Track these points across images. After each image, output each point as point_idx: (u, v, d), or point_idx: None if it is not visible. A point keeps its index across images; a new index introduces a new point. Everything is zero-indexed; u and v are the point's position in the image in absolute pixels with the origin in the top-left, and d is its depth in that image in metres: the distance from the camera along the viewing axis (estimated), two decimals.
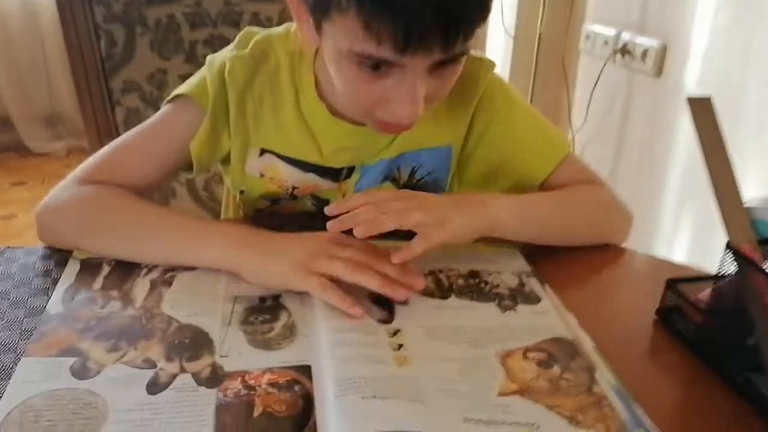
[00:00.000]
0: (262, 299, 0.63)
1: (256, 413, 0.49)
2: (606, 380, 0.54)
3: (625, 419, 0.50)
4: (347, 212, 0.64)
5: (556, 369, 0.56)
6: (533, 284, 0.68)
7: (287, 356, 0.55)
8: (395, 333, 0.58)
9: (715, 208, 0.57)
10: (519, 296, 0.66)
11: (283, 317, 0.60)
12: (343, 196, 0.84)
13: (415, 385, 0.52)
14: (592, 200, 0.78)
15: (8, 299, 0.63)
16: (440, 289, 0.66)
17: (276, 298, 0.63)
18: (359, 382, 0.51)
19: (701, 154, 0.58)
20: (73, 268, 0.67)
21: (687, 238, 1.57)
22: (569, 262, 0.73)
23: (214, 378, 0.52)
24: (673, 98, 1.57)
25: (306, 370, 0.53)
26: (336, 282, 0.61)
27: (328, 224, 0.64)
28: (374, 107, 0.65)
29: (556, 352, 0.58)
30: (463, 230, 0.67)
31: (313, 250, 0.63)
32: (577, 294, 0.68)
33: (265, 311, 0.61)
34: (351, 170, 0.82)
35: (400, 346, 0.56)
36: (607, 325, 0.63)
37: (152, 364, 0.54)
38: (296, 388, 0.51)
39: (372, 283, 0.61)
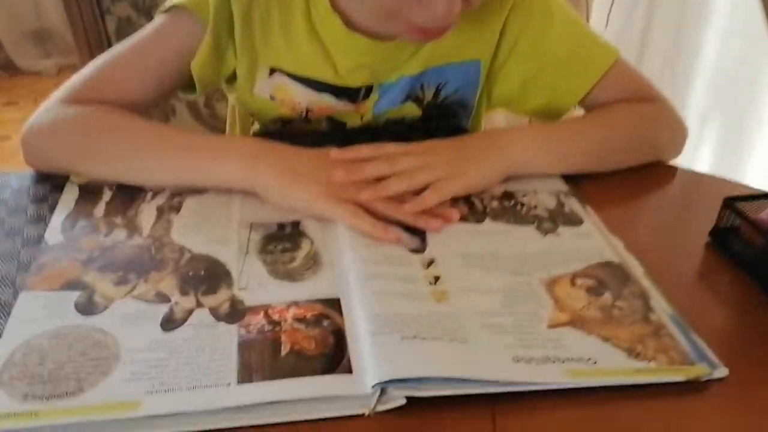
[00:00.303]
0: (281, 226, 0.57)
1: (283, 351, 0.44)
2: (661, 308, 0.50)
3: (687, 349, 0.46)
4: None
5: (607, 296, 0.51)
6: (573, 204, 0.63)
7: (313, 288, 0.50)
8: (430, 263, 0.53)
9: None
10: (559, 218, 0.61)
11: (305, 246, 0.55)
12: (361, 118, 0.77)
13: (456, 322, 0.47)
14: (636, 122, 0.70)
15: (3, 228, 0.57)
16: (474, 213, 0.61)
17: (296, 224, 0.58)
18: (397, 320, 0.46)
19: None
20: (71, 194, 0.62)
21: (710, 151, 1.51)
22: (610, 180, 0.67)
23: (234, 313, 0.47)
24: (701, 2, 1.47)
25: (335, 304, 0.48)
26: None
27: (333, 172, 0.58)
28: (402, 8, 0.58)
29: (606, 278, 0.53)
30: (480, 180, 0.63)
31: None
32: (621, 215, 0.63)
33: (284, 239, 0.56)
34: (369, 90, 0.75)
35: (437, 279, 0.51)
36: (655, 249, 0.58)
37: (165, 299, 0.49)
38: (325, 323, 0.47)
39: (405, 215, 0.57)
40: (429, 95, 0.77)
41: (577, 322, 0.48)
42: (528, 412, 0.42)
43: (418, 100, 0.77)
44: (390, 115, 0.77)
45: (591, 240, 0.58)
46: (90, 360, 0.43)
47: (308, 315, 0.47)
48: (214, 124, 1.22)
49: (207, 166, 0.60)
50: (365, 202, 0.57)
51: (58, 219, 0.58)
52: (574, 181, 0.66)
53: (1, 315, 0.47)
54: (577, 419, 0.42)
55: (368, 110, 0.76)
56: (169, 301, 0.48)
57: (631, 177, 0.68)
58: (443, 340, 0.45)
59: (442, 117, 0.79)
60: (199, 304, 0.48)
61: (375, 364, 0.42)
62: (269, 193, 0.59)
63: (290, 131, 0.79)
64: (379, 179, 0.59)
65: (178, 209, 0.59)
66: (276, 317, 0.47)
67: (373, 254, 0.53)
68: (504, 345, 0.45)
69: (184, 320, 0.47)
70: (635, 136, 0.70)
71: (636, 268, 0.54)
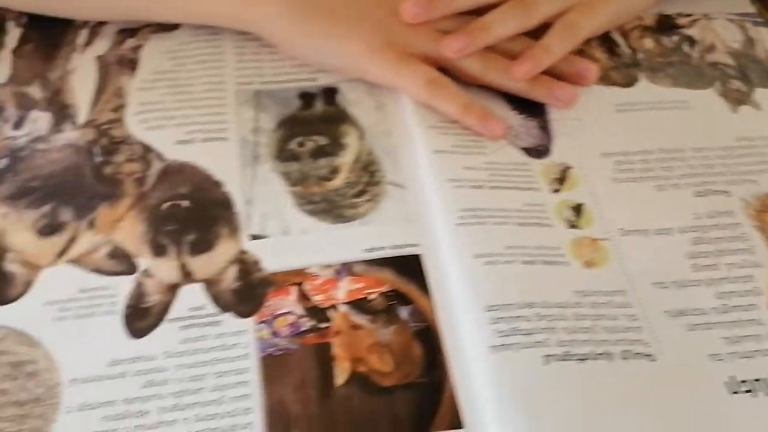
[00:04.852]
0: (306, 96, 0.35)
1: (339, 379, 0.26)
2: None
3: None
4: None
5: None
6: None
7: (376, 234, 0.30)
8: (562, 176, 0.32)
9: None
10: (752, 68, 0.38)
11: (351, 141, 0.33)
12: None
13: (626, 311, 0.27)
14: None
15: None
16: (618, 65, 0.37)
17: (329, 93, 0.35)
18: (531, 316, 0.26)
19: None
20: None
21: None
22: None
23: (248, 289, 0.28)
24: None
25: (413, 268, 0.29)
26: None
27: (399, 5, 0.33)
28: None
29: None
30: (627, 4, 0.38)
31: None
32: None
33: (314, 126, 0.33)
34: None
35: (577, 210, 0.31)
36: None
37: (127, 264, 0.29)
38: (404, 313, 0.27)
39: (514, 83, 0.34)
40: None
41: None
42: None
43: None
44: None
45: None
46: (11, 405, 0.25)
47: (373, 295, 0.28)
48: None
49: None
50: (450, 58, 0.34)
51: None
52: None
53: None
54: None
55: None
56: (132, 269, 0.28)
57: None
58: (614, 358, 0.26)
59: None
60: (187, 274, 0.28)
61: (504, 417, 0.24)
62: (280, 39, 0.35)
63: None
64: (471, 13, 0.34)
65: (134, 64, 0.36)
66: (318, 299, 0.28)
67: (463, 165, 0.32)
68: (708, 356, 0.27)
69: (164, 310, 0.27)
70: None
71: None
